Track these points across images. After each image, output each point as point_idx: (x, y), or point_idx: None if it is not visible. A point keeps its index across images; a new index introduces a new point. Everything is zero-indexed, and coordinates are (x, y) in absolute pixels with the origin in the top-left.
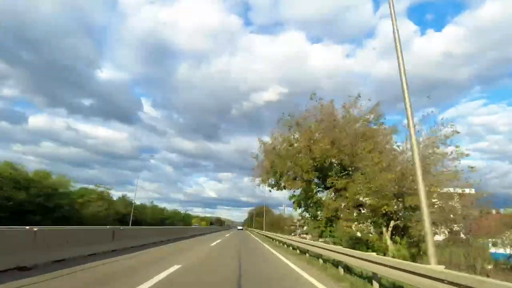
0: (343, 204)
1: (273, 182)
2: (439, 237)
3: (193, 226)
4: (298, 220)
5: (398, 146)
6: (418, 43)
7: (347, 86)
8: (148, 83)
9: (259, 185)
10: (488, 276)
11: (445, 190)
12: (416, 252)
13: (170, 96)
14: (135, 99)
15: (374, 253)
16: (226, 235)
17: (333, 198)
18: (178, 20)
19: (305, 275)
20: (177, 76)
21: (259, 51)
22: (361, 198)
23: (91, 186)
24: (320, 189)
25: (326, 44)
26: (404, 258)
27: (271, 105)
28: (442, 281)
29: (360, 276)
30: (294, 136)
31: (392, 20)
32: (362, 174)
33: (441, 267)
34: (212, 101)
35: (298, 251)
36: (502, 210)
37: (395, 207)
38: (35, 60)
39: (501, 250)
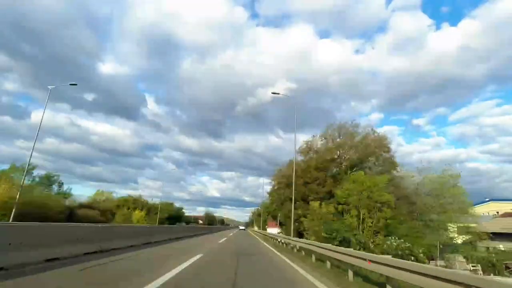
0: None
1: None
2: None
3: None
4: None
5: None
6: (432, 39)
7: (355, 83)
8: (151, 78)
9: None
10: None
11: None
12: None
13: (173, 92)
14: (138, 94)
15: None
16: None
17: None
18: (182, 11)
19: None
20: (181, 71)
21: (266, 45)
22: None
23: None
24: None
25: (335, 39)
26: None
27: (278, 101)
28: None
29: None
30: None
31: None
32: None
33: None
34: (216, 97)
35: None
36: None
37: None
38: (36, 53)
39: None
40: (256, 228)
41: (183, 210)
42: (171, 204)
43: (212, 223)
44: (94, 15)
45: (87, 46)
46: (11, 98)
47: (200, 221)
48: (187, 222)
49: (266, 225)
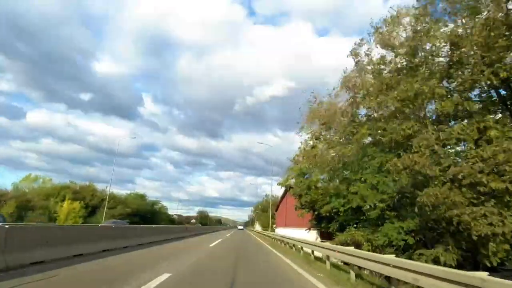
0: None
1: None
2: None
3: None
4: None
5: None
6: None
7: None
8: (148, 77)
9: None
10: None
11: None
12: None
13: (171, 91)
14: (135, 94)
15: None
16: None
17: None
18: (178, 10)
19: None
20: (178, 70)
21: (264, 44)
22: None
23: None
24: None
25: (333, 36)
26: None
27: (276, 100)
28: None
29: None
30: None
31: None
32: None
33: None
34: (214, 96)
35: None
36: None
37: None
38: (31, 52)
39: None
40: (258, 228)
41: (161, 205)
42: (142, 196)
43: (206, 223)
44: (90, 13)
45: (82, 44)
46: (6, 98)
47: (193, 220)
48: (173, 222)
49: (274, 224)
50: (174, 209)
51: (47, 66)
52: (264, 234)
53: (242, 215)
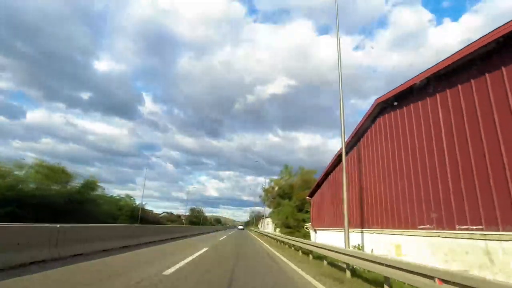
0: None
1: None
2: None
3: None
4: None
5: None
6: (432, 34)
7: (355, 79)
8: (148, 76)
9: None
10: None
11: None
12: None
13: (171, 90)
14: (135, 92)
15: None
16: None
17: None
18: (178, 7)
19: None
20: (178, 69)
21: (264, 42)
22: None
23: None
24: None
25: (334, 35)
26: None
27: (276, 98)
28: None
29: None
30: None
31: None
32: None
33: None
34: (214, 95)
35: None
36: None
37: None
38: (30, 50)
39: None
40: (269, 229)
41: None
42: (54, 169)
43: (198, 222)
44: (90, 11)
45: (82, 43)
46: (5, 97)
47: (183, 220)
48: (140, 220)
49: (300, 221)
50: (173, 209)
51: (46, 65)
52: (311, 254)
53: (242, 215)
